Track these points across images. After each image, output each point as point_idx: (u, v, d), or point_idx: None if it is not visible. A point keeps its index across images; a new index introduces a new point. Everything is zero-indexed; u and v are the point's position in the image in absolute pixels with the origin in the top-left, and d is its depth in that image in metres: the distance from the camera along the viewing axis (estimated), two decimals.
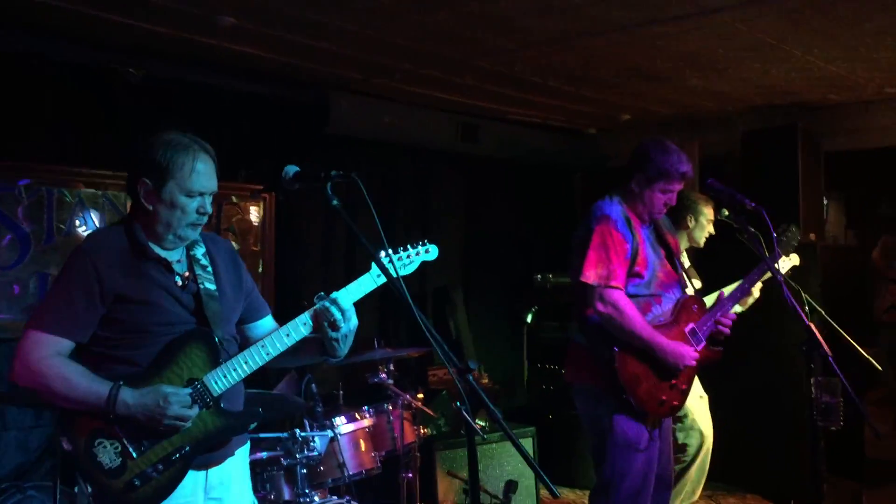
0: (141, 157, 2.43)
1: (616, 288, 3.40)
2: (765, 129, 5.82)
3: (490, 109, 6.12)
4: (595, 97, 5.71)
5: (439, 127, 6.06)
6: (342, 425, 4.04)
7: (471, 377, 2.10)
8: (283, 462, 3.70)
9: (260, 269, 5.43)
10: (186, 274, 2.50)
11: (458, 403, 2.11)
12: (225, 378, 2.44)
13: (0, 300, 4.36)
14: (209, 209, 2.47)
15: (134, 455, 2.35)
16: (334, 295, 2.52)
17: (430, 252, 2.76)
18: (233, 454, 2.58)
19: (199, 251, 2.57)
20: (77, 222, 4.63)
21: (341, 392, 4.50)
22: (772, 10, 3.88)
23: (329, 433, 3.89)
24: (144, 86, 4.71)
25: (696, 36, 4.27)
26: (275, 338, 2.51)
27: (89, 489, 2.36)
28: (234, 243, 4.82)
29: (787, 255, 4.18)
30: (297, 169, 2.37)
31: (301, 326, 2.53)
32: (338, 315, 2.49)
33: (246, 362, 2.47)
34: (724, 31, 4.17)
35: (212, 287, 2.52)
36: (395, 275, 2.47)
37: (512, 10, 3.91)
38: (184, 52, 4.63)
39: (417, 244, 2.74)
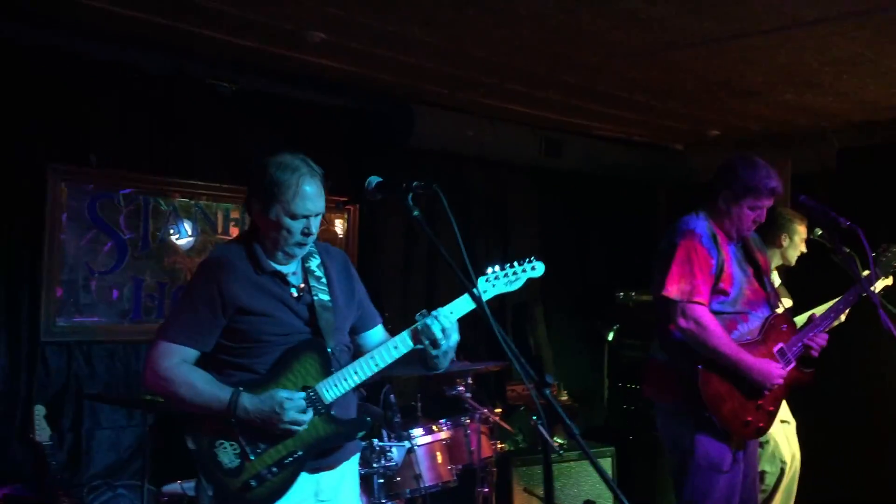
0: (252, 178, 2.56)
1: (699, 304, 3.32)
2: (862, 146, 5.61)
3: (573, 124, 6.07)
4: (682, 112, 5.60)
5: (522, 141, 6.05)
6: (419, 437, 4.06)
7: (548, 392, 2.07)
8: (361, 471, 3.72)
9: None
10: (301, 286, 2.62)
11: (534, 418, 2.09)
12: (336, 387, 2.55)
13: (99, 304, 4.55)
14: (314, 230, 2.57)
15: (251, 457, 2.48)
16: (435, 312, 2.58)
17: (536, 269, 2.81)
18: (347, 460, 2.69)
19: (314, 262, 2.68)
20: (171, 231, 4.80)
21: (419, 403, 4.53)
22: (871, 23, 3.75)
23: (406, 444, 3.91)
24: (236, 99, 4.86)
25: (789, 49, 4.15)
26: (383, 350, 2.60)
27: (211, 487, 2.50)
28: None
29: (886, 276, 3.98)
30: (380, 179, 2.41)
31: (408, 339, 2.61)
32: (438, 333, 2.55)
33: (356, 372, 2.58)
34: (820, 44, 4.04)
35: (325, 298, 2.63)
36: (486, 291, 2.64)
37: (596, 24, 3.88)
38: (274, 66, 4.77)
39: (524, 261, 2.80)
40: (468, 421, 4.25)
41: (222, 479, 2.47)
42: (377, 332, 2.85)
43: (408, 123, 5.38)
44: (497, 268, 2.70)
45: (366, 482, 3.77)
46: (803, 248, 4.50)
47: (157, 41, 4.39)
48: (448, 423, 4.23)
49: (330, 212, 5.46)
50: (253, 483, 2.46)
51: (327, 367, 2.57)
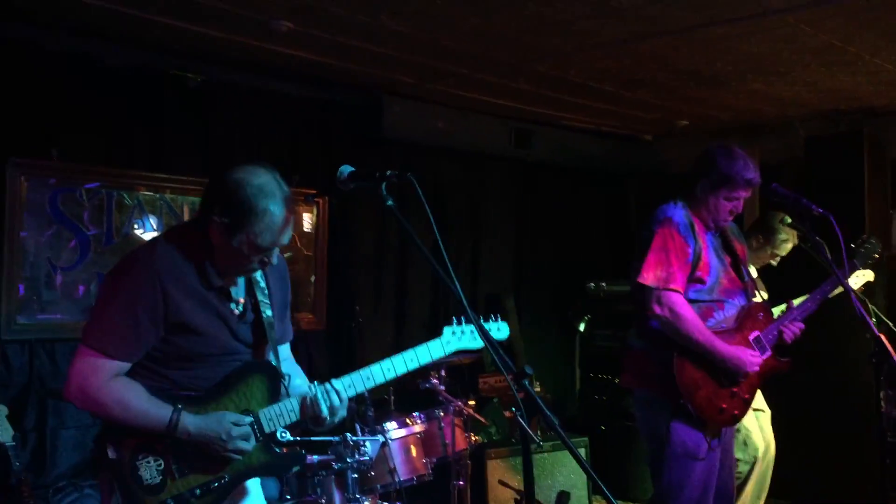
0: (221, 192, 2.32)
1: (674, 291, 3.33)
2: (829, 135, 5.66)
3: (544, 115, 6.06)
4: (652, 102, 5.61)
5: (492, 132, 6.02)
6: (393, 430, 4.02)
7: (527, 382, 2.04)
8: (335, 466, 3.68)
9: (312, 276, 5.45)
10: (242, 300, 2.47)
11: (513, 409, 2.06)
12: (279, 418, 2.43)
13: (62, 301, 4.45)
14: (275, 261, 2.42)
15: (176, 476, 2.33)
16: (330, 385, 2.46)
17: (500, 331, 2.81)
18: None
19: (258, 273, 2.52)
20: (135, 225, 4.70)
21: (392, 397, 4.48)
22: (840, 11, 3.76)
23: (380, 438, 3.86)
24: (202, 90, 4.77)
25: (760, 38, 4.16)
26: (329, 392, 2.47)
27: (122, 499, 2.32)
28: (286, 254, 4.87)
29: (865, 269, 3.98)
30: (352, 169, 2.34)
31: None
32: (324, 412, 2.43)
33: (293, 411, 2.45)
34: (789, 32, 4.05)
35: (269, 313, 2.51)
36: (449, 343, 2.62)
37: (568, 13, 3.85)
38: (240, 57, 4.68)
39: (490, 319, 2.78)
40: (442, 414, 4.22)
41: (139, 494, 2.29)
42: (284, 350, 2.68)
43: (377, 114, 5.34)
44: (463, 320, 2.65)
45: (340, 477, 3.72)
46: (773, 260, 4.57)
47: (122, 32, 4.29)
48: (422, 416, 4.19)
49: (298, 205, 5.39)
50: (171, 503, 2.32)
51: (275, 394, 2.45)
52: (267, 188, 2.31)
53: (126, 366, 2.32)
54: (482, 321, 2.69)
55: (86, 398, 2.29)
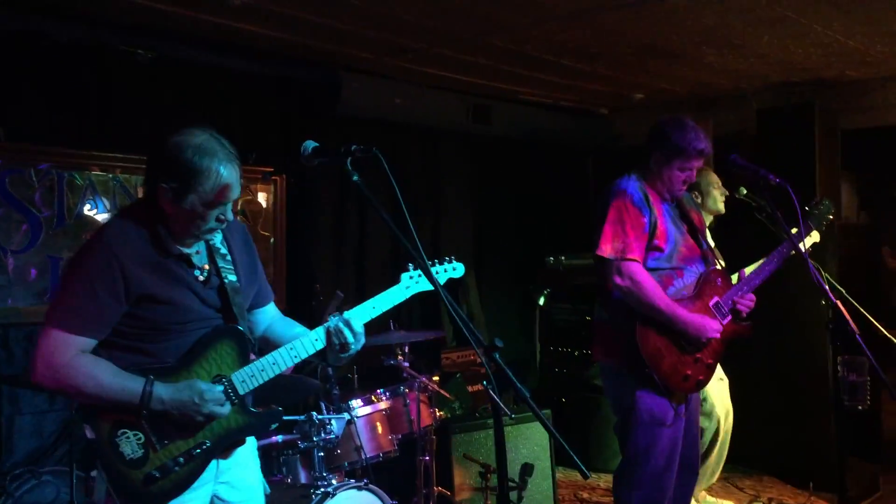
0: (162, 159, 2.30)
1: (633, 260, 3.38)
2: (781, 106, 5.76)
3: (502, 90, 6.05)
4: (609, 75, 5.63)
5: (451, 108, 6.00)
6: (359, 408, 4.01)
7: (497, 356, 2.05)
8: (300, 445, 3.67)
9: (271, 254, 5.39)
10: (206, 266, 2.46)
11: (484, 383, 2.07)
12: (252, 378, 2.44)
13: (13, 284, 4.33)
14: (230, 216, 2.41)
15: (157, 447, 2.34)
16: (347, 315, 2.53)
17: (456, 270, 2.83)
18: (244, 443, 2.58)
19: (217, 238, 2.51)
20: (87, 206, 4.59)
21: (356, 375, 4.47)
22: None
23: (346, 416, 3.85)
24: (153, 67, 4.65)
25: (715, 10, 4.19)
26: (305, 341, 2.51)
27: (109, 479, 2.32)
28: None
29: (821, 230, 4.05)
30: (316, 144, 2.32)
31: (323, 336, 2.54)
32: (350, 337, 2.50)
33: (275, 363, 2.48)
34: (743, 4, 4.09)
35: (233, 279, 2.50)
36: (409, 288, 2.66)
37: None
38: (193, 32, 4.57)
39: (445, 261, 2.81)
40: (407, 390, 4.22)
41: (123, 470, 2.30)
42: (270, 309, 2.74)
43: (334, 91, 5.27)
44: (417, 269, 2.68)
45: (306, 456, 3.71)
46: (723, 191, 4.56)
47: (70, 8, 4.15)
48: (387, 392, 4.19)
49: (255, 183, 5.31)
50: (156, 474, 2.32)
51: (244, 356, 2.45)
52: (206, 145, 2.31)
53: (91, 343, 2.30)
54: (437, 264, 2.79)
55: (54, 376, 2.26)
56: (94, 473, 3.78)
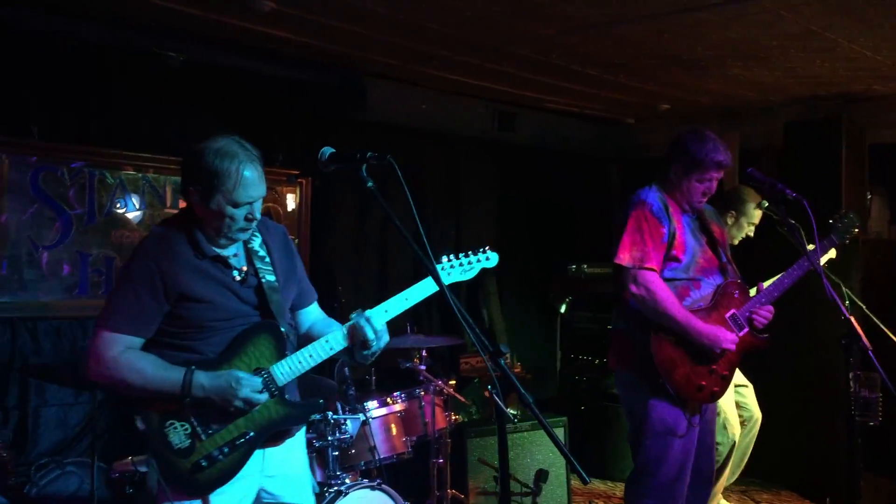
0: (187, 167, 2.49)
1: (650, 270, 3.40)
2: (808, 120, 5.72)
3: (527, 98, 6.08)
4: (634, 86, 5.64)
5: (475, 115, 6.05)
6: (374, 409, 4.06)
7: (503, 361, 2.09)
8: (315, 444, 3.72)
9: None
10: (244, 268, 2.59)
11: (489, 388, 2.11)
12: (290, 369, 2.56)
13: (44, 279, 4.45)
14: (258, 215, 2.54)
15: (202, 437, 2.47)
16: (368, 313, 2.59)
17: (490, 259, 2.84)
18: (291, 436, 2.69)
19: (256, 242, 2.65)
20: (118, 204, 4.71)
21: (373, 377, 4.53)
22: None
23: (361, 416, 3.91)
24: (184, 70, 4.76)
25: (740, 23, 4.19)
26: (338, 334, 2.61)
27: (160, 468, 2.46)
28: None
29: (844, 242, 4.02)
30: (333, 150, 2.38)
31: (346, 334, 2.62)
32: (370, 335, 2.56)
33: (311, 356, 2.58)
34: (769, 18, 4.09)
35: (272, 279, 2.62)
36: (449, 280, 2.70)
37: None
38: (223, 37, 4.67)
39: (479, 251, 2.83)
40: (422, 393, 4.27)
41: (172, 459, 2.44)
42: (313, 310, 2.86)
43: (360, 96, 5.35)
44: (452, 256, 2.76)
45: (321, 455, 3.76)
46: (749, 232, 4.58)
47: (104, 11, 4.26)
48: (402, 395, 4.24)
49: (281, 185, 5.40)
50: (203, 463, 2.45)
51: (281, 350, 2.57)
52: (226, 148, 2.46)
53: (136, 340, 2.47)
54: (471, 255, 2.82)
55: (104, 372, 2.44)
56: (118, 464, 3.91)
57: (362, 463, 3.98)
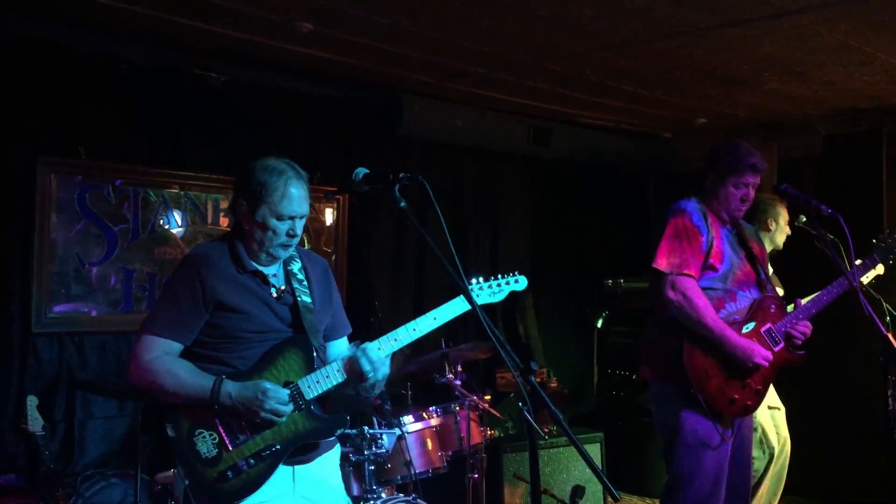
0: (239, 180, 2.63)
1: (688, 276, 3.39)
2: (847, 133, 5.66)
3: (562, 113, 6.10)
4: (669, 100, 5.64)
5: (511, 130, 6.08)
6: (410, 424, 4.10)
7: (533, 378, 2.11)
8: (352, 458, 3.77)
9: (332, 270, 5.52)
10: (283, 287, 2.68)
11: (520, 404, 2.13)
12: (318, 384, 2.61)
13: (89, 295, 4.57)
14: (299, 232, 2.64)
15: (230, 447, 2.52)
16: (364, 346, 2.62)
17: (519, 283, 2.88)
18: (324, 453, 2.71)
19: (296, 266, 2.75)
20: (161, 221, 4.82)
21: (409, 392, 4.57)
22: (853, 12, 3.78)
23: (397, 431, 3.94)
24: (225, 90, 4.87)
25: (775, 38, 4.18)
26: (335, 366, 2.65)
27: (186, 476, 2.52)
28: (309, 247, 5.00)
29: (887, 262, 3.96)
30: (367, 171, 2.43)
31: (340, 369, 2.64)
32: (366, 366, 2.59)
33: (339, 371, 2.63)
34: (804, 33, 4.08)
35: (307, 300, 2.70)
36: (479, 301, 2.73)
37: (583, 14, 3.90)
38: (263, 57, 4.78)
39: (508, 274, 2.87)
40: (458, 408, 4.29)
41: (199, 468, 2.50)
42: (342, 343, 2.90)
43: (397, 113, 5.41)
44: (482, 279, 2.81)
45: (357, 469, 3.81)
46: (788, 231, 4.57)
47: (147, 33, 4.39)
48: (438, 410, 4.27)
49: (319, 201, 5.48)
50: (229, 474, 2.50)
51: (310, 364, 2.62)
52: (276, 166, 2.61)
53: (175, 346, 2.56)
54: (500, 278, 2.86)
55: (142, 374, 2.53)
56: (160, 476, 4.00)
57: (398, 477, 4.01)
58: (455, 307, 2.69)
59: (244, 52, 4.69)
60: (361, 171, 2.43)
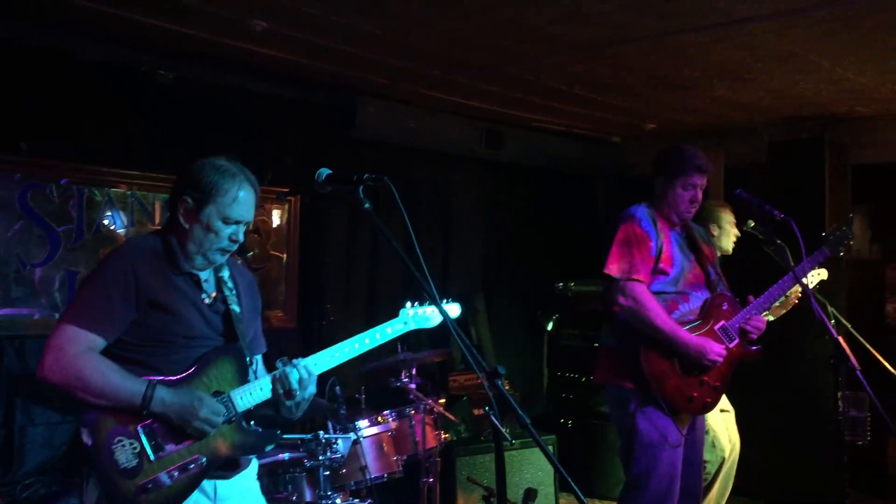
0: (188, 175, 2.50)
1: (638, 281, 3.47)
2: (792, 140, 5.81)
3: (515, 116, 6.13)
4: (621, 105, 5.71)
5: (464, 133, 6.08)
6: (365, 428, 4.06)
7: (499, 382, 2.10)
8: (306, 463, 3.72)
9: (283, 274, 5.45)
10: (214, 294, 2.58)
11: (486, 408, 2.12)
12: (250, 396, 2.50)
13: (31, 297, 4.40)
14: (241, 238, 2.54)
15: (151, 458, 2.35)
16: (296, 362, 2.55)
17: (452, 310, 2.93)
18: (244, 469, 2.60)
19: (226, 274, 2.64)
20: (106, 221, 4.68)
21: (364, 395, 4.52)
22: (802, 22, 3.87)
23: (352, 436, 3.91)
24: (174, 88, 4.76)
25: (726, 46, 4.26)
26: (266, 381, 2.58)
27: (101, 488, 2.32)
28: (256, 249, 4.93)
29: (838, 255, 4.04)
30: (330, 171, 2.39)
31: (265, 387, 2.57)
32: (294, 384, 2.52)
33: (261, 389, 2.54)
34: (754, 41, 4.16)
35: (237, 309, 2.60)
36: (406, 324, 2.81)
37: (540, 18, 3.92)
38: (214, 55, 4.68)
39: (441, 301, 2.84)
40: (413, 412, 4.27)
41: (116, 479, 2.30)
42: (256, 362, 2.75)
43: (350, 114, 5.36)
44: (417, 304, 2.82)
45: (311, 475, 3.76)
46: (736, 232, 4.63)
47: (95, 28, 4.26)
48: (393, 413, 4.24)
49: (270, 202, 5.40)
50: (149, 486, 2.32)
51: (243, 375, 2.53)
52: (229, 168, 2.52)
53: (100, 341, 2.38)
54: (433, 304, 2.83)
55: (62, 369, 2.31)
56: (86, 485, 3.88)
57: (353, 482, 3.97)
58: (395, 329, 2.75)
59: (195, 50, 4.58)
60: (325, 172, 2.39)
